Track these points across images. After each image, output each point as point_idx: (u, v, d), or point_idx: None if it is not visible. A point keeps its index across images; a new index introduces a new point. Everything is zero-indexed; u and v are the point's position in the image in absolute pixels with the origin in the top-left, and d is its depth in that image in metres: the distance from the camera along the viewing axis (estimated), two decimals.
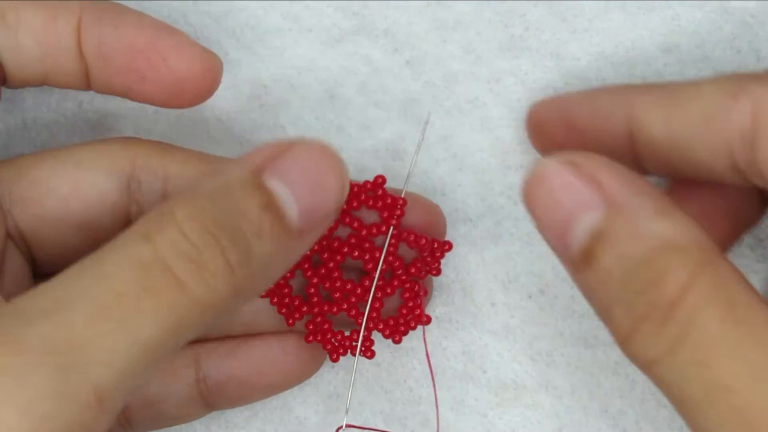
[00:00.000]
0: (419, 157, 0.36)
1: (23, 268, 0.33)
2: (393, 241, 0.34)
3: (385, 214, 0.33)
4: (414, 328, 0.35)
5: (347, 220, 0.34)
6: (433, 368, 0.38)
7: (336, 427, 0.36)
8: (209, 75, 0.33)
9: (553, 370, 0.37)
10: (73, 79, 0.33)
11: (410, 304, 0.35)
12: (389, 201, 0.33)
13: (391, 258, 0.34)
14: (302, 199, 0.29)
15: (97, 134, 0.38)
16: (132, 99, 0.33)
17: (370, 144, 0.37)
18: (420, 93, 0.37)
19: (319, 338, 0.35)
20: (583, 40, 0.37)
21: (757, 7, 0.36)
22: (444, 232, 0.36)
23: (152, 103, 0.33)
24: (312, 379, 0.37)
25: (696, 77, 0.34)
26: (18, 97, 0.38)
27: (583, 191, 0.29)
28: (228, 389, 0.35)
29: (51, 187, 0.33)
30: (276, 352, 0.35)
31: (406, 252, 0.35)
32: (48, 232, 0.33)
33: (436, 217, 0.35)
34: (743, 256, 0.36)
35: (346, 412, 0.36)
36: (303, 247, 0.31)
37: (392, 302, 0.35)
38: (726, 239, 0.34)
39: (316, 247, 0.34)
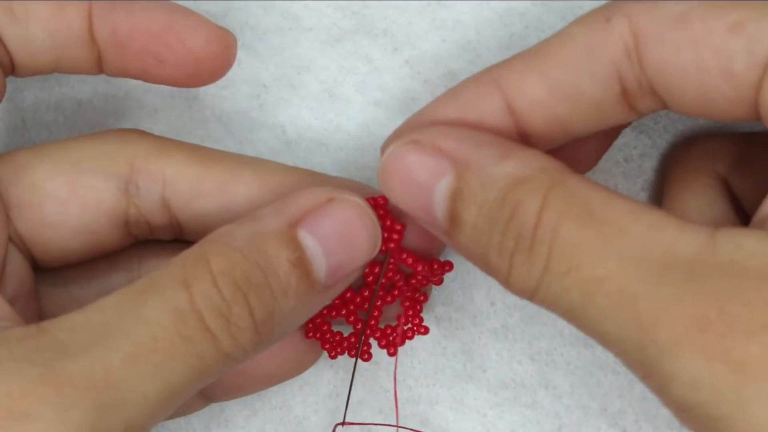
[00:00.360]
0: None
1: (24, 269, 0.33)
2: (392, 259, 0.34)
3: (385, 235, 0.33)
4: (411, 338, 0.35)
5: None
6: (433, 367, 0.38)
7: (333, 425, 0.36)
8: (225, 53, 0.33)
9: (552, 369, 0.37)
10: (85, 65, 0.33)
11: (410, 312, 0.35)
12: (388, 224, 0.33)
13: (390, 274, 0.34)
14: (333, 256, 0.31)
15: None
16: (147, 81, 0.33)
17: (369, 143, 0.37)
18: (419, 92, 0.37)
19: (318, 336, 0.35)
20: None
21: None
22: (443, 247, 0.35)
23: (168, 84, 0.33)
24: (312, 379, 0.37)
25: None
26: (18, 97, 0.38)
27: (431, 163, 0.30)
28: (225, 380, 0.35)
29: (49, 190, 0.33)
30: None
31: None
32: (47, 234, 0.33)
33: (437, 240, 0.35)
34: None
35: (345, 411, 0.36)
36: (325, 300, 0.32)
37: (392, 310, 0.35)
38: (598, 150, 0.35)
39: None
